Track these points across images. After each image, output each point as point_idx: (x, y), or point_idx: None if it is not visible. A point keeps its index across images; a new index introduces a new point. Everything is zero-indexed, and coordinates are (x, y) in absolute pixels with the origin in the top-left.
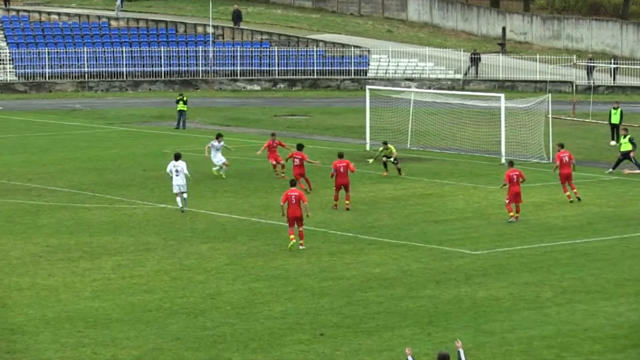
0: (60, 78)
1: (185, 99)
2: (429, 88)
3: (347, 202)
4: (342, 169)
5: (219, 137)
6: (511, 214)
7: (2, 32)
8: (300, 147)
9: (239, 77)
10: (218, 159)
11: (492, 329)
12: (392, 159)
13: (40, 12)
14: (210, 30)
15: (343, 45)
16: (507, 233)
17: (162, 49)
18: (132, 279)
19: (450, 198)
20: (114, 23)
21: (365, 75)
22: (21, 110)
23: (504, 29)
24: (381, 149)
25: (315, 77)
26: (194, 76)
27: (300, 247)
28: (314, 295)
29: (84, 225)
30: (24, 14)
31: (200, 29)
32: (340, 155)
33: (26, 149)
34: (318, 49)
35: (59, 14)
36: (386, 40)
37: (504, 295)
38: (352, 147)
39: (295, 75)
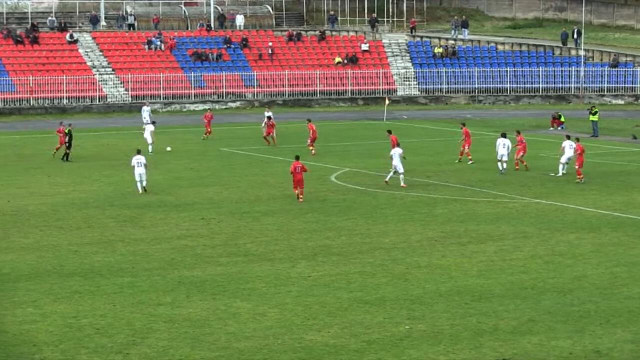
0: (455, 93)
1: (594, 110)
2: None
3: (301, 195)
4: (298, 169)
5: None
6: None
7: (408, 54)
8: None
9: (605, 93)
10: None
11: None
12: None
13: (439, 38)
14: (581, 53)
15: None
16: None
17: (541, 69)
18: (511, 262)
19: None
20: (500, 47)
21: None
22: (422, 119)
23: None
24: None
25: None
26: (566, 92)
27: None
28: None
29: (472, 215)
30: (427, 40)
31: (573, 52)
32: (297, 158)
33: (425, 152)
34: None
35: (455, 39)
36: None
37: None
38: None
39: None
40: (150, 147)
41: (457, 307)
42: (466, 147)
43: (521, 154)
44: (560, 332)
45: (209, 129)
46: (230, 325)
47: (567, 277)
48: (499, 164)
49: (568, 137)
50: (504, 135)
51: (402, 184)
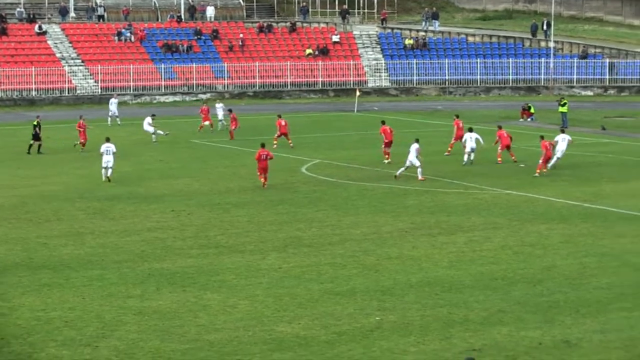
0: (426, 84)
1: (563, 101)
2: None
3: (265, 181)
4: (264, 156)
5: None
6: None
7: (379, 46)
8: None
9: (575, 84)
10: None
11: None
12: None
13: (410, 30)
14: (551, 44)
15: None
16: None
17: (510, 61)
18: (481, 252)
19: None
20: (470, 38)
21: None
22: (393, 110)
23: None
24: None
25: None
26: (536, 83)
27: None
28: (636, 270)
29: (443, 206)
30: (397, 31)
31: (543, 44)
32: (263, 145)
33: (396, 143)
34: None
35: (425, 31)
36: None
37: None
38: None
39: (624, 82)
40: (154, 137)
41: (427, 298)
42: (452, 139)
43: (499, 147)
44: (529, 323)
45: (204, 122)
46: (200, 318)
47: (536, 267)
48: (466, 155)
49: (562, 131)
50: (471, 130)
51: (420, 177)
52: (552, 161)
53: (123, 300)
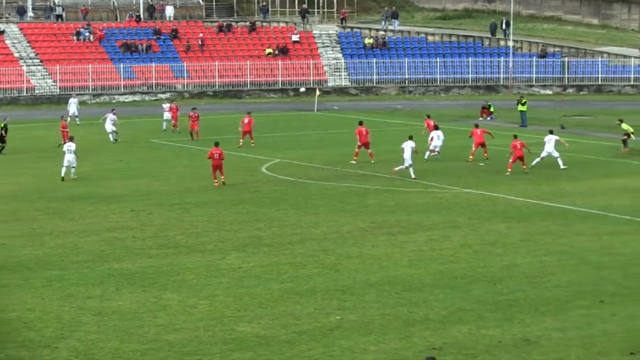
0: (385, 83)
1: (523, 100)
2: None
3: (222, 178)
4: (216, 155)
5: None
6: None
7: (338, 45)
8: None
9: (534, 83)
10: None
11: None
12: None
13: (370, 29)
14: (510, 43)
15: (624, 56)
16: None
17: (470, 60)
18: (441, 251)
19: None
20: (430, 38)
21: None
22: (353, 110)
23: None
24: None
25: (599, 83)
26: (496, 82)
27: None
28: (595, 268)
29: (403, 205)
30: (357, 31)
31: (502, 43)
32: (216, 144)
33: (356, 142)
34: (602, 60)
35: (385, 30)
36: None
37: None
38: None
39: (583, 81)
40: (111, 137)
41: (387, 297)
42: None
43: (473, 145)
44: (489, 321)
45: (174, 121)
46: (160, 318)
47: (496, 266)
48: (428, 152)
49: (551, 132)
50: (437, 127)
51: (395, 169)
52: (559, 162)
53: (82, 301)
